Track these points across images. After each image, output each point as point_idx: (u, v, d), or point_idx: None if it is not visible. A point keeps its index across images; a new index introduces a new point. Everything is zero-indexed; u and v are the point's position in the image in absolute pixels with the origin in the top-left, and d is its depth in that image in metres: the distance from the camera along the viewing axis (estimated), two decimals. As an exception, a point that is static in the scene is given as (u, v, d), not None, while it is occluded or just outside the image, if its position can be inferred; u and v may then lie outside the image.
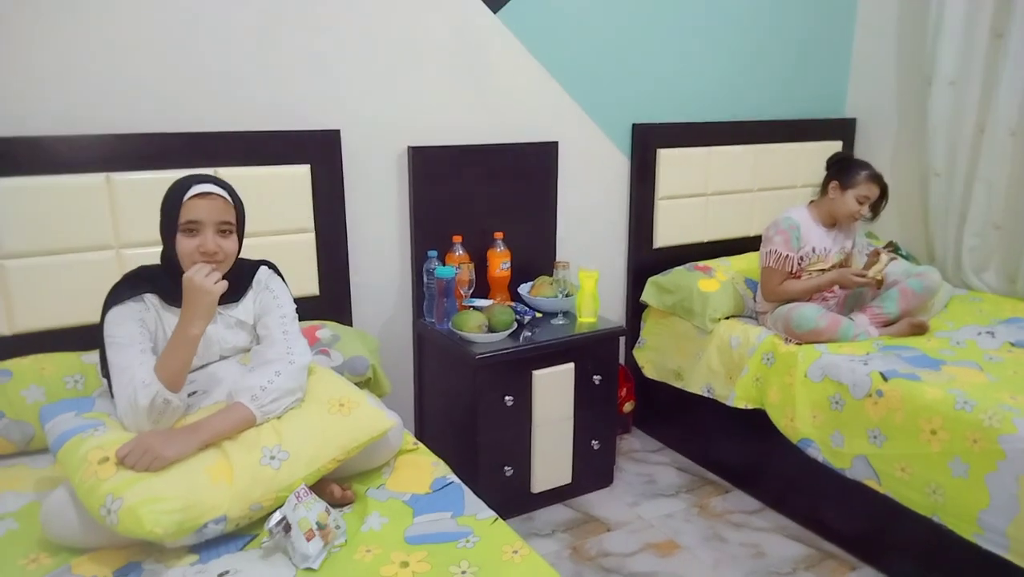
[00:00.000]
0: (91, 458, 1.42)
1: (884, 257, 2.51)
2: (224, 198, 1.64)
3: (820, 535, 2.39)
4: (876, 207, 2.61)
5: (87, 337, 1.95)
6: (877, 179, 2.56)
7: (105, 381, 1.65)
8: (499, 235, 2.63)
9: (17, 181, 1.92)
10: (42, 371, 1.89)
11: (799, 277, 2.59)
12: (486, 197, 2.65)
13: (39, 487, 1.67)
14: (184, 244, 1.60)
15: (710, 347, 2.68)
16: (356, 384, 2.03)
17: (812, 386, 2.30)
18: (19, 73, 1.94)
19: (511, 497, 2.43)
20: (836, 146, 3.42)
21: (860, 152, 3.46)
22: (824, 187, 2.63)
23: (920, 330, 2.49)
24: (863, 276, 2.48)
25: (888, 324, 2.53)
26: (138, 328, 1.58)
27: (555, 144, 2.76)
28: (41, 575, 1.37)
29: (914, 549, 2.12)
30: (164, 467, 1.42)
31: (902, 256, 2.99)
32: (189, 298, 1.52)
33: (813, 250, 2.58)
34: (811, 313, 2.44)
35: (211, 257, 1.60)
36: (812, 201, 2.69)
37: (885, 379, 2.13)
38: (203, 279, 1.51)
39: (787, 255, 2.54)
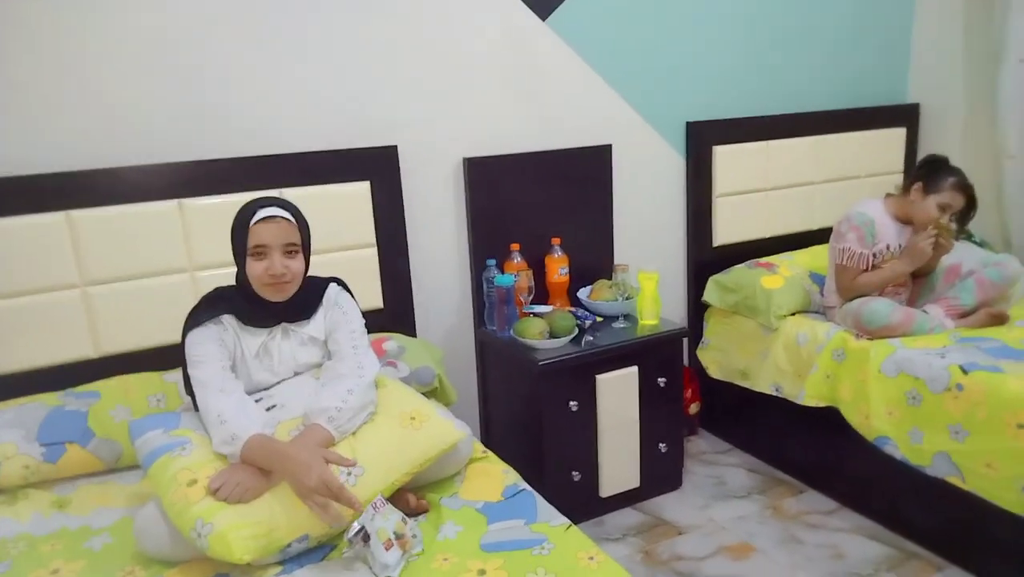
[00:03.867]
0: (180, 479, 1.48)
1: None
2: (288, 220, 1.67)
3: (902, 534, 2.32)
4: (963, 218, 2.47)
5: (167, 357, 2.04)
6: (964, 189, 2.42)
7: (188, 398, 1.72)
8: (556, 241, 2.64)
9: (99, 212, 2.03)
10: (127, 392, 1.98)
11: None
12: (542, 203, 2.66)
13: (130, 502, 1.75)
14: (253, 267, 1.65)
15: (776, 345, 2.63)
16: (422, 394, 2.06)
17: (887, 382, 2.23)
18: (94, 109, 2.05)
19: (580, 502, 2.43)
20: (900, 133, 3.32)
21: (926, 138, 3.35)
22: (907, 186, 2.51)
23: (999, 321, 2.39)
24: (930, 231, 2.36)
25: (964, 315, 2.44)
26: (217, 348, 1.65)
27: (609, 147, 2.75)
28: (137, 587, 1.44)
29: (1005, 548, 2.03)
30: (256, 497, 1.47)
31: (976, 244, 2.87)
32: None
33: (888, 247, 2.49)
34: (883, 308, 2.36)
35: (279, 278, 1.65)
36: (889, 195, 2.58)
37: (965, 372, 2.05)
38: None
39: (861, 252, 2.46)
